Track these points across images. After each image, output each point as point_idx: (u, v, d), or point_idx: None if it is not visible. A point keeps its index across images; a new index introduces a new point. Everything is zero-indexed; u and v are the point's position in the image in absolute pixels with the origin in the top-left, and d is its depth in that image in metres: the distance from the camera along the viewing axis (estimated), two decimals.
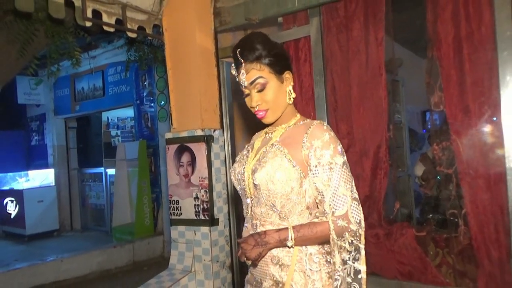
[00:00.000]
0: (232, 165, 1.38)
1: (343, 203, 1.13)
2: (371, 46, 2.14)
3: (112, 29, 2.48)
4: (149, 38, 2.76)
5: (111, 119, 6.92)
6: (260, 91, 1.21)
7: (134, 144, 5.48)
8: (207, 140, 2.52)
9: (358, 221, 1.13)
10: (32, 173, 6.67)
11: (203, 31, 2.55)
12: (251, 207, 1.28)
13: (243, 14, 2.45)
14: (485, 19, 1.84)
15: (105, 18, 2.40)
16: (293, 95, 1.26)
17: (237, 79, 1.25)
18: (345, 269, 1.13)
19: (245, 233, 1.29)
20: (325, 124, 1.22)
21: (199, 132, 2.52)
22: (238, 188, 1.34)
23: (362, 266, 1.14)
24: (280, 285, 1.19)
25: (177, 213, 2.62)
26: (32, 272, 4.10)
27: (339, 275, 1.14)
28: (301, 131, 1.21)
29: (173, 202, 2.64)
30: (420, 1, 2.02)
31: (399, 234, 2.14)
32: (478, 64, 1.87)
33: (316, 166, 1.16)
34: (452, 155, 1.98)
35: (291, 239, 1.14)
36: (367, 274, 2.06)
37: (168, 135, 2.67)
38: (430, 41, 2.00)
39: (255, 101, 1.21)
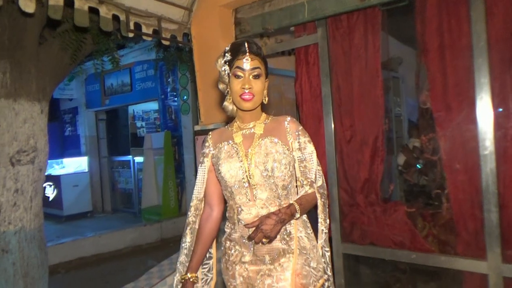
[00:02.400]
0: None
1: (319, 176, 1.45)
2: (369, 52, 2.50)
3: (150, 38, 2.91)
4: (180, 44, 3.16)
5: (137, 112, 7.43)
6: (255, 77, 1.39)
7: (160, 134, 5.97)
8: None
9: (325, 187, 1.48)
10: (67, 160, 7.26)
11: (225, 38, 2.95)
12: (253, 194, 1.40)
13: (260, 24, 2.83)
14: (464, 31, 2.17)
15: (144, 29, 2.82)
16: (267, 98, 1.47)
17: (223, 67, 1.41)
18: (326, 223, 1.45)
19: (251, 218, 1.39)
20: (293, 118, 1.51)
21: (223, 125, 2.95)
22: (231, 180, 1.42)
23: (328, 219, 1.48)
24: (287, 251, 1.39)
25: None
26: (75, 246, 4.68)
27: (325, 227, 1.45)
28: (279, 124, 1.46)
29: None
30: (411, 15, 2.37)
31: (393, 210, 2.52)
32: (458, 68, 2.21)
33: (300, 150, 1.43)
34: (437, 145, 2.36)
35: (298, 211, 1.35)
36: (366, 244, 2.50)
37: (197, 127, 3.11)
38: (418, 49, 2.36)
39: (249, 84, 1.38)
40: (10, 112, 2.60)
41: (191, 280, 1.47)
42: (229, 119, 3.03)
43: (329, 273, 1.47)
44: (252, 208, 1.41)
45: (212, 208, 1.55)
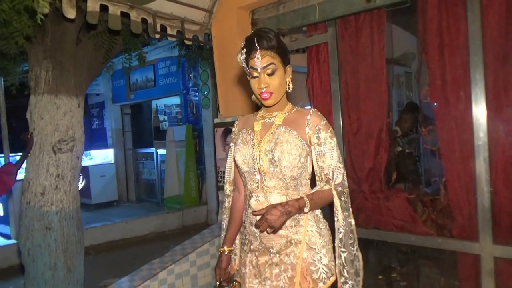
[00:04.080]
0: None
1: (339, 173, 1.39)
2: (375, 50, 2.70)
3: (174, 38, 3.20)
4: (201, 43, 3.44)
5: (159, 106, 7.78)
6: (270, 75, 1.36)
7: (181, 128, 6.28)
8: None
9: (347, 186, 1.41)
10: (94, 152, 7.68)
11: (243, 37, 3.12)
12: (262, 182, 1.42)
13: (275, 24, 3.07)
14: (461, 31, 2.34)
15: (169, 30, 3.10)
16: (291, 85, 1.45)
17: (243, 64, 1.40)
18: (345, 223, 1.37)
19: (258, 205, 1.41)
20: (318, 111, 1.46)
21: (238, 118, 3.21)
22: (244, 166, 1.46)
23: (352, 220, 1.42)
24: (294, 242, 1.39)
25: (223, 180, 3.35)
26: (104, 231, 5.06)
27: (343, 229, 1.37)
28: (301, 116, 1.43)
29: (220, 172, 3.37)
30: (414, 15, 2.56)
31: (395, 197, 2.73)
32: (455, 65, 2.38)
33: (319, 145, 1.38)
34: (436, 136, 2.55)
35: (307, 206, 1.33)
36: (371, 228, 2.69)
37: (216, 120, 3.39)
38: (420, 47, 2.55)
39: (264, 83, 1.36)
40: (52, 106, 2.93)
41: (225, 253, 1.56)
42: (247, 112, 3.29)
43: (347, 275, 1.37)
44: (260, 195, 1.42)
45: (240, 192, 1.61)
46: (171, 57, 5.81)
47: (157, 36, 3.04)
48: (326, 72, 2.94)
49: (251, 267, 1.45)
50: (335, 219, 1.38)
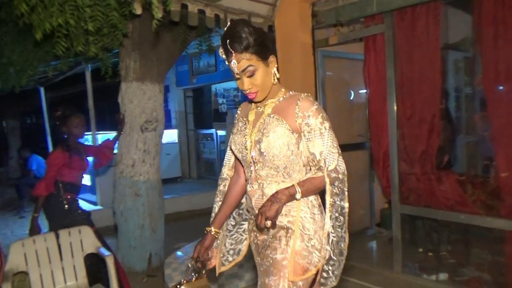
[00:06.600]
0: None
1: (333, 159, 1.34)
2: (430, 40, 2.86)
3: None
4: None
5: (218, 90, 8.24)
6: (250, 76, 1.32)
7: None
8: None
9: (343, 171, 1.35)
10: None
11: (304, 29, 3.48)
12: (255, 171, 1.42)
13: (334, 16, 3.31)
14: None
15: None
16: (278, 75, 1.39)
17: (227, 63, 1.35)
18: (334, 208, 1.34)
19: (252, 193, 1.44)
20: (310, 96, 1.40)
21: None
22: (239, 155, 1.48)
23: (346, 203, 1.36)
24: (286, 227, 1.39)
25: None
26: (173, 202, 5.65)
27: (334, 214, 1.34)
28: (291, 103, 1.38)
29: None
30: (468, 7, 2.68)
31: (446, 178, 2.93)
32: (508, 54, 2.52)
33: (309, 132, 1.34)
34: (487, 122, 2.70)
35: (299, 193, 1.32)
36: (421, 206, 2.88)
37: None
38: (475, 37, 2.68)
39: (246, 85, 1.34)
40: (140, 92, 3.45)
41: (212, 233, 1.54)
42: None
43: (335, 258, 1.37)
44: (254, 183, 1.44)
45: (239, 175, 1.60)
46: None
47: None
48: (382, 61, 3.15)
49: (254, 246, 1.51)
50: (326, 205, 1.36)
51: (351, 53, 3.96)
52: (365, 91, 3.89)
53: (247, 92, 1.36)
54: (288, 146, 1.36)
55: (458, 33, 3.78)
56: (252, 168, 1.43)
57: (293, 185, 1.34)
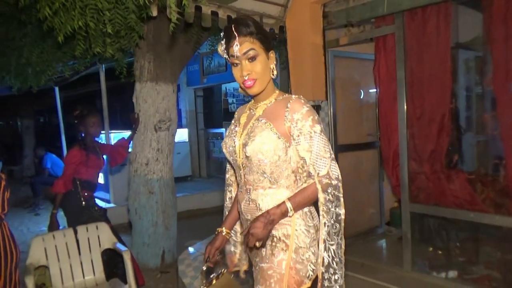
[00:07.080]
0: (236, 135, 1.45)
1: (324, 164, 1.28)
2: (440, 41, 2.89)
3: None
4: (276, 36, 3.82)
5: (228, 89, 8.31)
6: (251, 60, 1.30)
7: None
8: (316, 108, 3.55)
9: (337, 177, 1.30)
10: None
11: (314, 30, 3.52)
12: (243, 175, 1.39)
13: (345, 17, 3.35)
14: None
15: None
16: (276, 72, 1.36)
17: (224, 55, 1.34)
18: (329, 215, 1.29)
19: (241, 197, 1.42)
20: (302, 98, 1.37)
21: (311, 103, 3.51)
22: (230, 159, 1.45)
23: (341, 210, 1.31)
24: (276, 238, 1.34)
25: None
26: (184, 200, 5.74)
27: (329, 222, 1.29)
28: (282, 106, 1.34)
29: None
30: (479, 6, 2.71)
31: (456, 177, 2.96)
32: None
33: (298, 136, 1.30)
34: (497, 121, 2.72)
35: (291, 210, 1.29)
36: (431, 204, 2.91)
37: None
38: (485, 37, 2.70)
39: (246, 70, 1.30)
40: (154, 92, 3.53)
41: (223, 234, 1.53)
42: (317, 97, 3.62)
43: (336, 266, 1.31)
44: (242, 187, 1.42)
45: None
46: None
47: None
48: (393, 61, 3.18)
49: (249, 251, 1.50)
50: (320, 212, 1.31)
51: (362, 53, 4.00)
52: (375, 90, 3.92)
53: (245, 79, 1.31)
54: (274, 151, 1.32)
55: (469, 32, 3.78)
56: (241, 172, 1.41)
57: (284, 202, 1.29)
